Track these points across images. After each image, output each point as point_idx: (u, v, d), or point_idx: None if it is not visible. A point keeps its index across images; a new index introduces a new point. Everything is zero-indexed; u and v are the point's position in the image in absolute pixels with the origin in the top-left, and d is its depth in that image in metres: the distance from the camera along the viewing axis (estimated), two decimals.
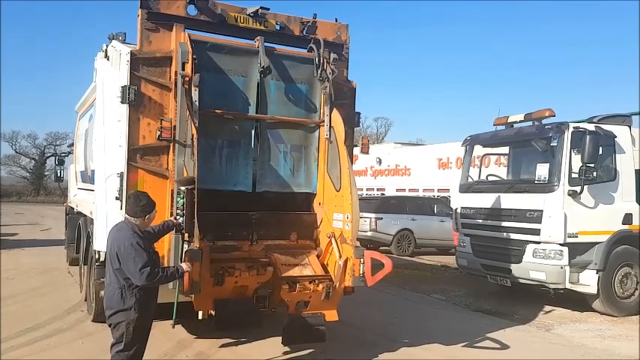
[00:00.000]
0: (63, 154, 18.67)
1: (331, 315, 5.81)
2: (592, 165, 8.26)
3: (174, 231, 5.06)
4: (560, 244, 8.34)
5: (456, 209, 10.57)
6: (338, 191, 6.00)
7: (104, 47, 6.23)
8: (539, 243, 8.59)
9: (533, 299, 9.46)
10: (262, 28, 6.13)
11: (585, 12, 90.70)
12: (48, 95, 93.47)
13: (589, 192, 8.43)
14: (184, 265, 4.61)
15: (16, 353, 5.86)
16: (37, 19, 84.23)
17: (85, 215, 8.04)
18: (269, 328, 6.28)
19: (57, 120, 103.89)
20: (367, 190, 26.99)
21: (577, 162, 8.40)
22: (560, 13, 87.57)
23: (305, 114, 6.37)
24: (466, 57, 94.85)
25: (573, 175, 8.40)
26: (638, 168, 8.98)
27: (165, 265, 5.36)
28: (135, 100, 5.50)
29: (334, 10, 77.74)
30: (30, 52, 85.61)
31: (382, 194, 24.72)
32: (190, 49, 5.50)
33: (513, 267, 8.93)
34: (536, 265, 8.58)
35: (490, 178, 10.54)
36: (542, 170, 8.65)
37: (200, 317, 5.50)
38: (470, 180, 10.47)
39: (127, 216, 4.45)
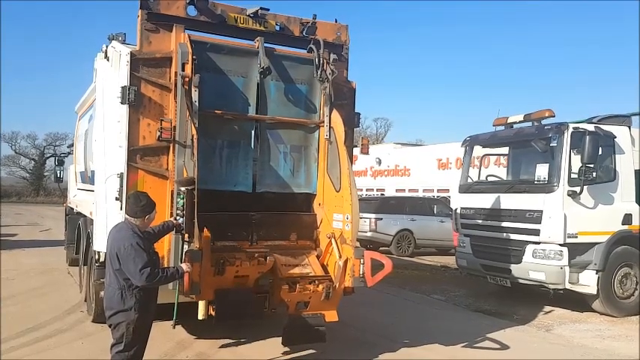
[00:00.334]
0: (63, 155, 18.59)
1: (331, 315, 5.80)
2: (592, 165, 8.26)
3: (174, 231, 5.07)
4: (560, 245, 8.34)
5: (456, 210, 10.57)
6: (338, 192, 6.01)
7: (104, 48, 6.23)
8: (538, 243, 8.59)
9: (533, 299, 9.45)
10: (262, 28, 6.13)
11: (585, 12, 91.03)
12: (48, 95, 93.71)
13: (589, 192, 8.43)
14: (184, 266, 4.63)
15: (16, 353, 5.86)
16: (37, 19, 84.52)
17: (85, 216, 8.05)
18: (269, 328, 6.30)
19: (57, 120, 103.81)
20: (367, 190, 26.95)
21: (577, 162, 8.40)
22: (560, 13, 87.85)
23: (305, 114, 6.37)
24: (466, 57, 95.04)
25: (573, 176, 8.39)
26: (637, 168, 8.99)
27: (166, 265, 5.35)
28: (135, 100, 5.50)
29: (334, 10, 78.05)
30: (30, 52, 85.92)
31: (382, 195, 24.71)
32: (190, 50, 5.50)
33: (513, 267, 8.94)
34: (535, 266, 8.58)
35: (490, 179, 10.54)
36: (541, 171, 8.67)
37: (200, 317, 5.51)
38: (469, 180, 10.48)
39: (126, 216, 4.46)
